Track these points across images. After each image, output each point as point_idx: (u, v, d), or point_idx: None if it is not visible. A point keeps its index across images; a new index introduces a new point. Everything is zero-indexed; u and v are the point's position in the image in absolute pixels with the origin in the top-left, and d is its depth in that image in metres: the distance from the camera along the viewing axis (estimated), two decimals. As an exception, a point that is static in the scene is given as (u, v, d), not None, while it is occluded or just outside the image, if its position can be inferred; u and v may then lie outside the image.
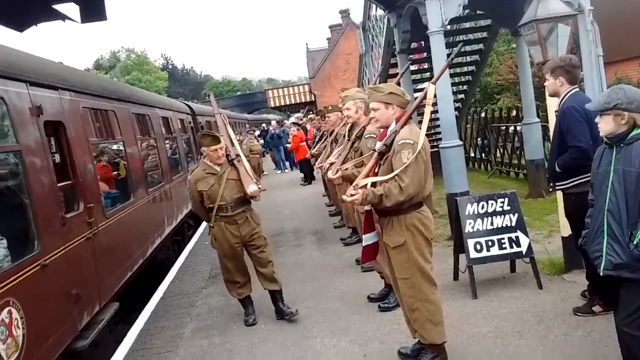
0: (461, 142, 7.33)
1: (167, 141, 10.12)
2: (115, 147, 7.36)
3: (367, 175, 3.66)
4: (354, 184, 3.64)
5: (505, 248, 5.14)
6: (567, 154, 4.21)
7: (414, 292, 3.80)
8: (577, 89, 4.35)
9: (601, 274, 3.00)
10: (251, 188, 5.01)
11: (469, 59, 11.39)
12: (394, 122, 3.70)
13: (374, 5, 10.72)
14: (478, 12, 10.01)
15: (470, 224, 5.22)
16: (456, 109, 12.53)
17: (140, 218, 7.27)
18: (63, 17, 8.30)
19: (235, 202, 5.05)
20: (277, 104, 35.95)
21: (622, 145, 2.88)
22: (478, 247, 5.16)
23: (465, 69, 11.54)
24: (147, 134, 8.62)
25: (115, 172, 7.23)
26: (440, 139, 7.52)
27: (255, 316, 5.35)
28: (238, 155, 5.27)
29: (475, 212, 5.24)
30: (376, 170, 3.68)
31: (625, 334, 2.98)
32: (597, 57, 7.27)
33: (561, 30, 5.06)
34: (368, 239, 3.78)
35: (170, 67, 75.63)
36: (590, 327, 4.17)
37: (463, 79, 11.79)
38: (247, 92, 53.13)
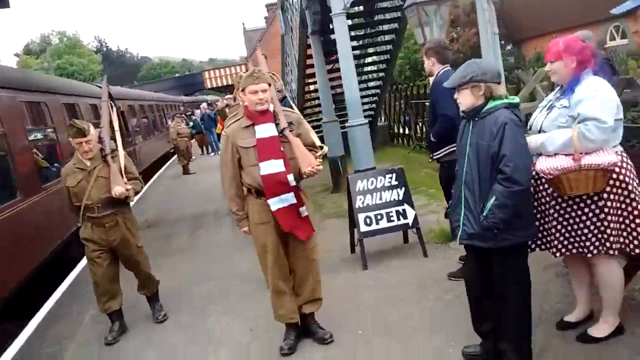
0: (366, 120, 7.56)
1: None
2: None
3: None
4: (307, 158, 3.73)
5: (393, 220, 5.41)
6: (437, 123, 4.51)
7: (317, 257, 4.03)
8: (448, 67, 4.65)
9: (458, 243, 3.25)
10: (117, 189, 4.50)
11: (386, 37, 11.61)
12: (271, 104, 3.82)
13: (291, -15, 10.77)
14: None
15: (360, 199, 5.47)
16: (377, 86, 12.82)
17: (31, 217, 6.82)
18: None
19: (103, 203, 4.56)
20: (215, 85, 35.49)
21: (477, 119, 3.02)
22: (368, 221, 5.41)
23: (383, 47, 11.76)
24: (43, 123, 8.28)
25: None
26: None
27: (118, 334, 4.77)
28: (114, 150, 4.76)
29: (365, 188, 5.49)
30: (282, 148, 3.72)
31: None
32: (494, 35, 7.60)
33: (442, 13, 5.32)
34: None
35: (105, 49, 73.23)
36: (461, 290, 4.48)
37: (383, 58, 12.02)
38: (187, 73, 52.01)
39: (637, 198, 3.09)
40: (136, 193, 4.78)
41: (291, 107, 4.28)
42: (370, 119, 13.72)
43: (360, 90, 12.95)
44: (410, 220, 5.40)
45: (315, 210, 8.25)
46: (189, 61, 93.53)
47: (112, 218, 4.63)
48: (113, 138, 4.85)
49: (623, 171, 3.08)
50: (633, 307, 3.62)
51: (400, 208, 5.42)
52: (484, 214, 2.92)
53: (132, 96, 18.40)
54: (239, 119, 3.85)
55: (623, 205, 3.11)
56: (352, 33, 11.15)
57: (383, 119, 15.65)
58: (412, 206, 5.46)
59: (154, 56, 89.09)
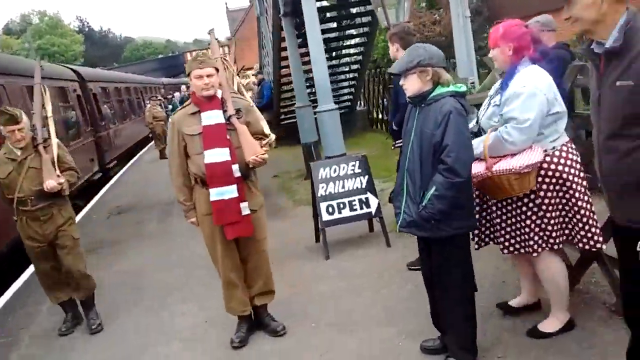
0: (335, 106, 7.44)
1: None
2: None
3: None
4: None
5: (355, 210, 5.33)
6: (399, 112, 4.41)
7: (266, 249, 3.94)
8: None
9: (397, 230, 3.17)
10: (49, 183, 4.19)
11: (364, 19, 11.43)
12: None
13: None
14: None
15: (323, 187, 5.37)
16: (355, 69, 12.67)
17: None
18: None
19: (36, 195, 4.26)
20: (197, 67, 35.06)
21: (423, 105, 2.93)
22: (330, 209, 5.33)
23: (361, 30, 11.59)
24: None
25: None
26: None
27: (72, 325, 4.67)
28: (46, 139, 4.41)
29: (328, 176, 5.39)
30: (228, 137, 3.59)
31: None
32: (465, 19, 7.49)
33: (404, -4, 5.19)
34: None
35: (87, 29, 71.97)
36: (420, 280, 4.42)
37: (360, 40, 11.85)
38: (170, 54, 51.29)
39: (578, 190, 3.02)
40: (71, 185, 4.46)
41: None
42: (349, 104, 13.61)
43: (338, 74, 12.91)
44: (373, 209, 5.32)
45: (287, 197, 8.20)
46: (173, 42, 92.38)
47: (47, 211, 4.33)
48: (46, 125, 4.51)
49: (560, 167, 3.01)
50: (587, 301, 3.58)
51: (363, 197, 5.33)
52: (423, 203, 2.86)
53: (105, 78, 17.91)
54: (186, 105, 3.72)
55: (563, 200, 3.05)
56: (328, 14, 11.02)
57: (362, 103, 15.51)
58: (376, 195, 5.38)
59: (137, 37, 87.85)
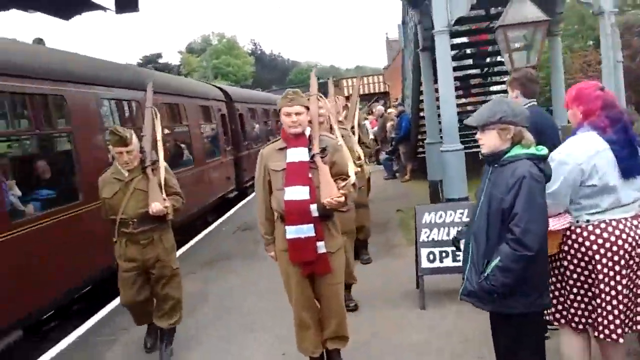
0: (461, 146, 7.10)
1: (172, 134, 9.79)
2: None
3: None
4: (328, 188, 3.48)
5: (458, 261, 4.97)
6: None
7: (342, 294, 3.84)
8: (534, 103, 4.17)
9: (459, 299, 2.90)
10: (154, 206, 4.15)
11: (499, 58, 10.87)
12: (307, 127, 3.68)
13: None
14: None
15: (425, 232, 5.11)
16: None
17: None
18: (100, 8, 8.98)
19: (139, 218, 4.21)
20: (349, 93, 35.85)
21: (496, 165, 2.71)
22: (431, 257, 5.05)
23: (498, 68, 11.03)
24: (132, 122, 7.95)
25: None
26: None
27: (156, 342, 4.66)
28: (154, 162, 4.39)
29: (433, 222, 5.12)
30: (310, 175, 3.54)
31: None
32: (616, 63, 6.77)
33: (535, 37, 4.81)
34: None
35: (259, 52, 77.53)
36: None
37: (499, 79, 11.29)
38: (320, 80, 53.49)
39: (607, 275, 2.73)
40: (176, 210, 4.37)
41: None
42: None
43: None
44: (476, 263, 4.93)
45: (403, 234, 7.96)
46: (336, 67, 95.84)
47: (148, 235, 4.27)
48: (155, 149, 4.51)
49: (587, 243, 2.79)
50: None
51: (467, 247, 4.97)
52: (485, 274, 2.57)
53: (253, 99, 17.68)
54: (276, 141, 3.76)
55: (588, 280, 2.78)
56: (469, 50, 10.64)
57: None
58: (481, 247, 4.98)
59: (304, 61, 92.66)
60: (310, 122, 3.66)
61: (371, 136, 14.89)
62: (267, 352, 4.46)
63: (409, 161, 12.93)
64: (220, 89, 14.20)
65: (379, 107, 16.27)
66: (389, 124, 14.05)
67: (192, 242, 9.06)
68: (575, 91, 2.84)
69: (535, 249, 2.47)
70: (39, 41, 6.96)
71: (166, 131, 9.00)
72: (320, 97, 3.99)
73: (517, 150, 2.63)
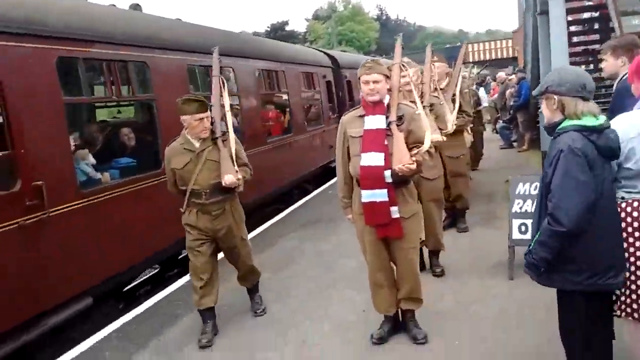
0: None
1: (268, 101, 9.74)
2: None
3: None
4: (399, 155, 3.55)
5: (551, 233, 4.81)
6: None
7: (417, 258, 3.97)
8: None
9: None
10: (227, 178, 4.12)
11: None
12: (387, 95, 3.76)
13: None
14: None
15: (518, 204, 5.00)
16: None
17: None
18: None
19: (211, 189, 4.19)
20: (477, 58, 34.31)
21: (553, 137, 2.64)
22: (523, 228, 4.93)
23: None
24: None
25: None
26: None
27: (213, 337, 4.35)
28: (224, 133, 4.34)
29: (527, 193, 4.98)
30: (386, 142, 3.65)
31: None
32: None
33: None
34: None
35: (384, 17, 76.59)
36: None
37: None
38: (445, 46, 51.53)
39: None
40: (245, 181, 4.37)
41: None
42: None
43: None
44: (570, 237, 4.74)
45: (507, 205, 7.70)
46: (464, 32, 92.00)
47: (220, 206, 4.26)
48: (224, 119, 4.44)
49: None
50: None
51: (561, 221, 4.78)
52: (530, 247, 2.55)
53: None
54: (357, 108, 3.88)
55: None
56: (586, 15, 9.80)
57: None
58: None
59: (430, 26, 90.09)
60: (389, 90, 3.74)
61: (485, 104, 14.39)
62: (350, 308, 4.68)
63: (528, 130, 12.33)
64: (327, 54, 13.74)
65: (500, 74, 15.55)
66: (508, 92, 13.44)
67: (294, 206, 9.46)
68: (636, 64, 2.65)
69: (569, 225, 2.41)
70: (136, 7, 7.05)
71: (259, 100, 8.86)
72: (404, 66, 4.01)
73: (567, 122, 2.56)
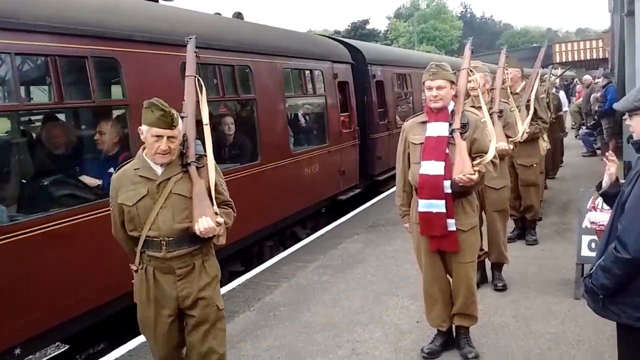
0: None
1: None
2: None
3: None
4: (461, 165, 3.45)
5: (623, 252, 4.53)
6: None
7: (473, 274, 3.87)
8: None
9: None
10: (203, 223, 2.80)
11: None
12: (452, 102, 3.68)
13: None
14: None
15: (589, 219, 4.72)
16: None
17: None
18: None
19: (177, 236, 2.89)
20: (564, 60, 32.55)
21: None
22: (593, 245, 4.67)
23: None
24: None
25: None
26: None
27: None
28: (200, 157, 2.99)
29: (599, 207, 4.70)
30: (447, 151, 3.57)
31: None
32: None
33: None
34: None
35: (469, 15, 74.68)
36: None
37: None
38: (531, 45, 49.41)
39: None
40: (227, 228, 2.99)
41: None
42: None
43: None
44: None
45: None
46: (553, 31, 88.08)
47: (187, 261, 2.95)
48: (200, 136, 3.06)
49: None
50: None
51: (636, 240, 4.49)
52: (590, 270, 2.40)
53: (405, 62, 12.68)
54: (420, 114, 3.81)
55: None
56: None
57: None
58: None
59: (517, 24, 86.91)
60: (455, 96, 3.65)
61: (565, 108, 13.66)
62: (405, 317, 4.62)
63: (612, 137, 11.64)
64: (346, 44, 10.20)
65: (586, 76, 14.74)
66: (593, 96, 12.74)
67: (363, 206, 9.44)
68: None
69: (634, 253, 2.22)
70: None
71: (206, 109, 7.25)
72: (471, 71, 3.90)
73: None
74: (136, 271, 3.01)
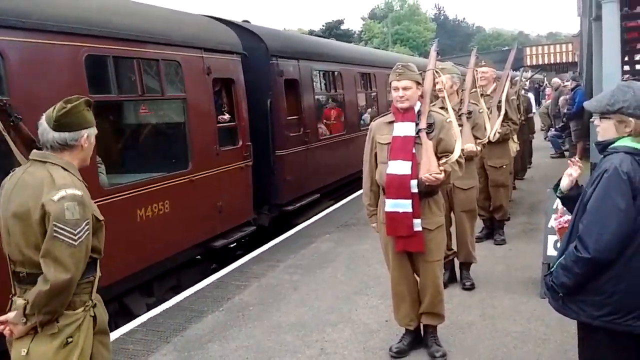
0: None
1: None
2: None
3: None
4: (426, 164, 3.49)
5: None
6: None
7: (440, 273, 3.89)
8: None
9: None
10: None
11: None
12: (418, 102, 3.70)
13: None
14: None
15: (555, 218, 4.81)
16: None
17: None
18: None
19: None
20: (535, 63, 33.20)
21: (602, 155, 2.46)
22: (558, 245, 4.73)
23: None
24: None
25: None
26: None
27: None
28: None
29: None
30: (414, 150, 3.59)
31: None
32: None
33: None
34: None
35: (442, 18, 75.48)
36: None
37: None
38: (503, 48, 50.26)
39: None
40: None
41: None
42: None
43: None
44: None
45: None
46: (524, 34, 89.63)
47: None
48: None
49: None
50: None
51: (599, 239, 4.58)
52: (551, 269, 2.44)
53: (334, 56, 9.97)
54: (387, 114, 3.83)
55: None
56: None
57: None
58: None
59: (489, 27, 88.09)
60: (421, 97, 3.67)
61: (534, 110, 13.96)
62: (374, 317, 4.63)
63: (580, 139, 11.89)
64: (237, 26, 7.55)
65: (554, 79, 15.05)
66: (562, 99, 13.00)
67: (334, 207, 9.42)
68: None
69: (593, 253, 2.24)
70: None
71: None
72: (437, 72, 3.93)
73: (619, 142, 2.35)
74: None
